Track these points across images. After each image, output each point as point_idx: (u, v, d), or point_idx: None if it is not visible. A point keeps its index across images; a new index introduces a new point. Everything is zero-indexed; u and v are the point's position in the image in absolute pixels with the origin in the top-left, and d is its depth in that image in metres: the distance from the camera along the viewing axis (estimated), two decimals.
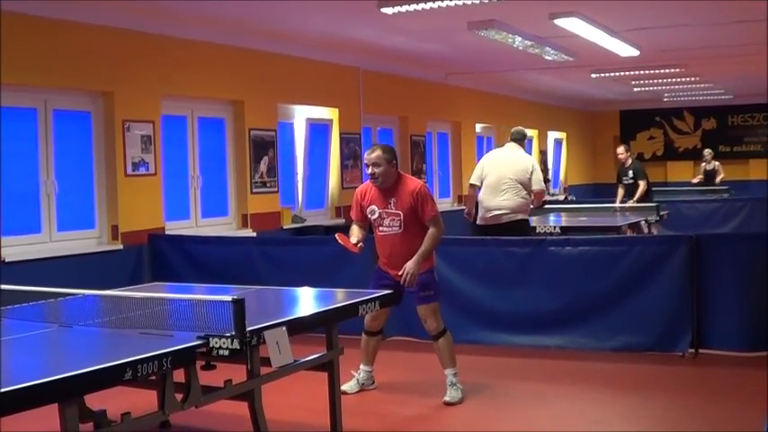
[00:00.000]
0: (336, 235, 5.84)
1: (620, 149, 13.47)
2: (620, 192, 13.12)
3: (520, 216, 8.52)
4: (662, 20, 10.12)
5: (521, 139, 8.91)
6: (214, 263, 8.49)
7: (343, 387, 5.75)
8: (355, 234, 5.83)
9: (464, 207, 9.23)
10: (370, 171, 5.79)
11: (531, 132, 19.65)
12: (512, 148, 8.81)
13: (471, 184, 8.86)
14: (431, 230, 5.79)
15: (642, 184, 12.81)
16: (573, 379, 6.55)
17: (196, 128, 9.82)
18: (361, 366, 6.20)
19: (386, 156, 5.76)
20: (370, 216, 5.86)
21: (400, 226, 5.78)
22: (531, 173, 8.53)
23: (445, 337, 5.93)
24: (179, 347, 3.71)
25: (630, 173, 13.11)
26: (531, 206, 8.79)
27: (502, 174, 8.51)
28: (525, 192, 8.53)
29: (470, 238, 8.25)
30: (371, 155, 5.76)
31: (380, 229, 5.86)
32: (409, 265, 5.71)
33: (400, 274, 5.72)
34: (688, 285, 6.97)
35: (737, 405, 5.70)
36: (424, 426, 5.48)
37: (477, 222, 8.70)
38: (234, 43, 10.00)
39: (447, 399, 5.82)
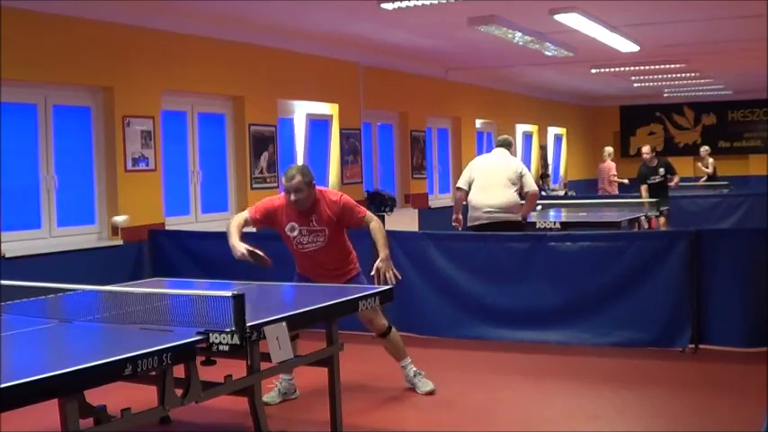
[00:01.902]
0: (247, 250, 5.40)
1: (647, 149, 13.62)
2: (645, 191, 13.06)
3: (512, 217, 8.41)
4: (662, 15, 10.12)
5: (507, 146, 8.84)
6: (214, 258, 8.46)
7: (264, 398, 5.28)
8: (236, 235, 5.47)
9: (464, 202, 9.02)
10: (292, 198, 5.50)
11: (532, 128, 19.69)
12: (500, 153, 8.78)
13: (458, 188, 8.76)
14: (373, 225, 5.67)
15: (677, 177, 13.51)
16: (573, 374, 6.55)
17: (196, 123, 9.82)
18: (282, 376, 5.75)
19: (306, 180, 5.51)
20: (289, 233, 5.65)
21: (324, 240, 5.63)
22: (522, 175, 8.47)
23: (393, 332, 5.94)
24: (179, 343, 3.71)
25: (662, 170, 13.25)
26: (526, 210, 8.70)
27: (492, 174, 8.44)
28: (516, 192, 8.45)
29: (470, 234, 8.25)
30: (291, 182, 5.48)
31: (302, 246, 5.66)
32: (384, 263, 5.54)
33: (375, 274, 5.53)
34: (688, 281, 6.97)
35: (737, 401, 5.70)
36: (423, 421, 5.48)
37: (468, 225, 8.57)
38: (234, 39, 9.99)
39: (427, 389, 5.90)
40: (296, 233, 5.65)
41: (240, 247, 5.38)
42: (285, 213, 5.65)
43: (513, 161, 8.71)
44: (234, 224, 5.58)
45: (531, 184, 8.54)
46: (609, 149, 17.05)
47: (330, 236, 5.62)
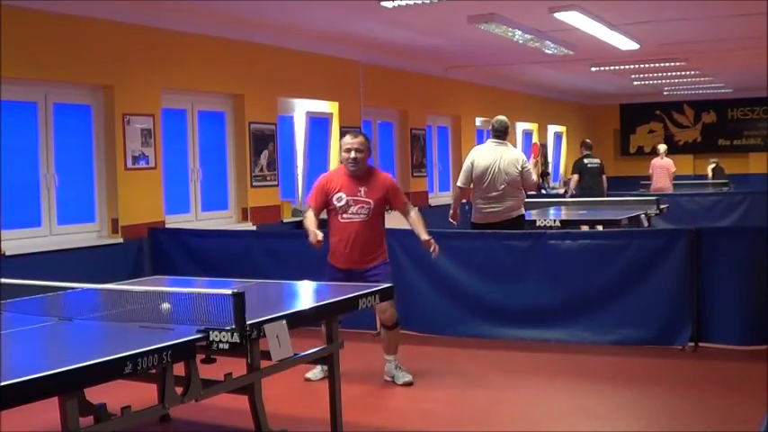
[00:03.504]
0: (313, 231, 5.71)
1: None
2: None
3: (515, 213, 8.30)
4: (662, 13, 10.12)
5: (503, 132, 8.42)
6: (214, 256, 8.50)
7: (308, 374, 6.21)
8: (313, 225, 5.79)
9: (464, 200, 8.91)
10: (352, 156, 5.84)
11: (532, 126, 19.68)
12: (498, 143, 8.38)
13: (459, 187, 8.53)
14: (414, 213, 6.03)
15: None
16: (573, 372, 6.56)
17: (196, 121, 9.82)
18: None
19: (367, 144, 5.95)
20: (336, 203, 5.88)
21: (368, 214, 5.89)
22: (522, 169, 8.21)
23: (398, 328, 6.24)
24: (179, 341, 3.71)
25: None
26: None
27: (495, 175, 8.18)
28: (518, 189, 8.29)
29: (471, 232, 8.25)
30: (355, 139, 5.89)
31: (343, 215, 5.90)
32: (431, 242, 5.89)
33: (429, 247, 5.88)
34: (688, 279, 6.97)
35: (737, 399, 5.70)
36: (423, 419, 5.48)
37: (474, 221, 8.40)
38: (234, 37, 9.99)
39: (407, 380, 6.15)
40: (342, 203, 5.87)
41: (315, 234, 5.65)
42: (335, 185, 5.92)
43: (513, 154, 8.36)
44: (306, 219, 5.90)
45: (529, 177, 8.29)
46: (664, 147, 17.26)
47: (373, 211, 5.89)
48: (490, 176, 8.20)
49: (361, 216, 5.88)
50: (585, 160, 14.71)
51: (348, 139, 5.92)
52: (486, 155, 8.40)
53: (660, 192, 15.79)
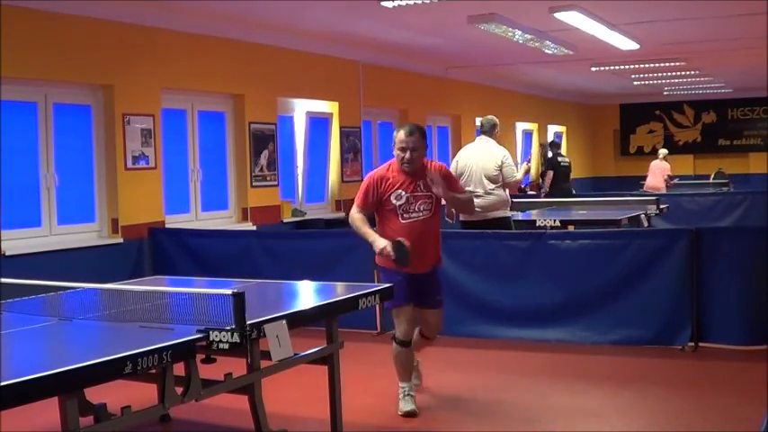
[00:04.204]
0: (392, 242, 5.16)
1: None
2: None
3: (499, 213, 8.20)
4: (662, 13, 10.12)
5: (490, 130, 8.42)
6: (214, 256, 8.50)
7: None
8: (372, 232, 5.29)
9: None
10: (407, 156, 5.30)
11: (532, 126, 19.67)
12: (482, 141, 8.38)
13: None
14: (469, 194, 5.91)
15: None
16: (572, 372, 6.55)
17: (196, 121, 9.82)
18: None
19: (423, 140, 5.40)
20: (395, 201, 5.29)
21: (430, 209, 5.36)
22: (501, 167, 8.10)
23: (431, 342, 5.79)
24: (179, 341, 3.71)
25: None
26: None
27: (472, 172, 8.17)
28: (497, 187, 8.16)
29: (470, 232, 8.24)
30: (410, 137, 5.31)
31: (406, 215, 5.31)
32: (441, 183, 5.34)
33: (429, 174, 5.32)
34: (688, 279, 6.97)
35: (737, 398, 5.70)
36: (423, 420, 5.48)
37: (461, 219, 8.44)
38: (234, 37, 9.99)
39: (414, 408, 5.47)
40: (402, 201, 5.31)
41: (382, 243, 5.16)
42: (389, 183, 5.37)
43: (495, 152, 8.23)
44: (357, 220, 5.37)
45: (509, 174, 8.13)
46: (664, 151, 17.72)
47: (435, 205, 5.39)
48: (468, 173, 8.18)
49: (425, 213, 5.33)
50: (559, 159, 14.93)
51: (402, 135, 5.35)
52: (468, 152, 8.47)
53: (653, 189, 15.87)
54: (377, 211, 5.42)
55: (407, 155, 5.30)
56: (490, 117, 8.60)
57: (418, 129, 5.39)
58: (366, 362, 6.79)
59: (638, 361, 6.80)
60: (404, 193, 5.32)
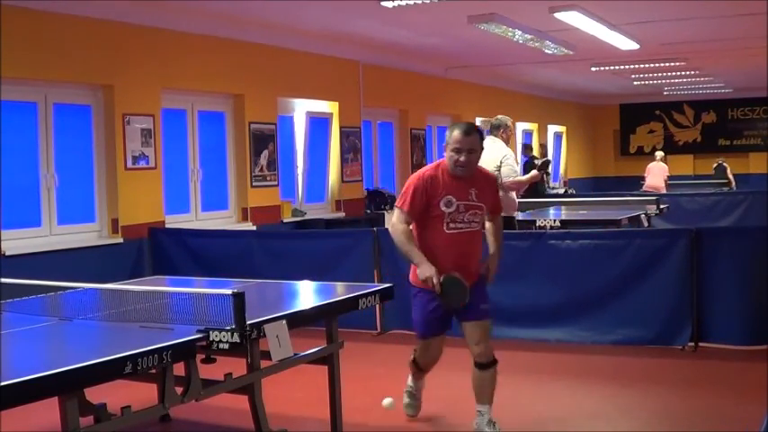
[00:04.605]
0: (443, 279, 4.56)
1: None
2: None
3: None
4: (662, 13, 10.12)
5: (495, 129, 8.32)
6: (214, 256, 8.50)
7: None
8: (418, 252, 4.63)
9: None
10: (462, 159, 4.65)
11: (532, 126, 19.67)
12: (489, 141, 8.09)
13: None
14: (500, 222, 5.06)
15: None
16: (573, 372, 6.55)
17: (196, 121, 9.82)
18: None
19: (481, 141, 4.77)
20: (444, 208, 4.65)
21: (479, 221, 4.80)
22: (499, 167, 7.95)
23: (496, 366, 4.91)
24: (179, 341, 3.71)
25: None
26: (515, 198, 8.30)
27: None
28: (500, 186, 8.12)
29: None
30: (467, 137, 4.66)
31: (452, 225, 4.68)
32: (495, 264, 4.96)
33: (486, 274, 4.91)
34: (688, 279, 6.97)
35: (737, 399, 5.70)
36: (423, 419, 5.48)
37: None
38: (234, 37, 9.99)
39: None
40: (452, 209, 4.67)
41: (430, 271, 4.52)
42: (440, 185, 4.68)
43: (496, 151, 8.07)
44: (402, 234, 4.64)
45: (505, 174, 7.95)
46: (661, 154, 17.90)
47: (483, 218, 4.85)
48: None
49: (473, 225, 4.73)
50: (535, 161, 15.34)
51: (458, 135, 4.66)
52: None
53: (653, 189, 15.89)
54: (422, 218, 4.74)
55: (463, 157, 4.65)
56: (499, 116, 8.49)
57: (476, 129, 4.75)
58: (366, 362, 6.79)
59: (639, 361, 6.80)
60: (454, 199, 4.67)
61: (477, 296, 4.80)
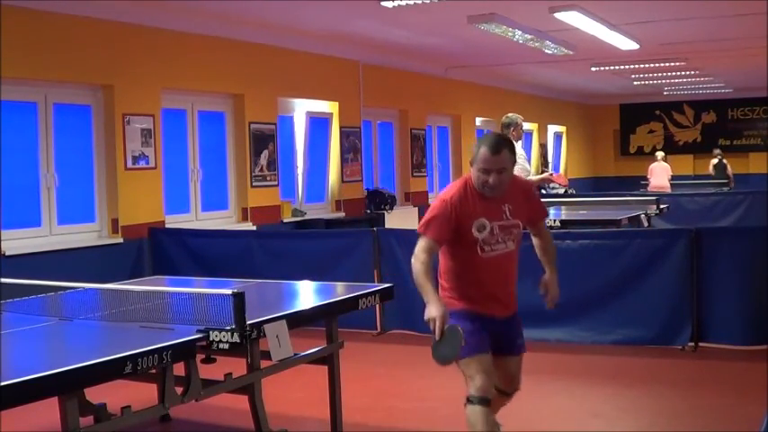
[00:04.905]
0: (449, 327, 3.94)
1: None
2: None
3: None
4: (662, 13, 10.12)
5: (506, 127, 8.32)
6: (214, 256, 8.50)
7: None
8: (434, 292, 4.04)
9: None
10: (491, 181, 3.97)
11: (532, 126, 19.66)
12: None
13: None
14: (546, 232, 4.52)
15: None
16: (573, 372, 6.55)
17: (196, 121, 9.82)
18: None
19: (513, 157, 4.06)
20: (477, 233, 4.05)
21: (515, 240, 4.22)
22: None
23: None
24: (179, 341, 3.71)
25: None
26: None
27: None
28: None
29: None
30: (496, 155, 3.95)
31: (488, 249, 4.10)
32: (556, 288, 4.59)
33: (548, 292, 4.53)
34: (688, 279, 6.97)
35: (737, 398, 5.70)
36: (423, 419, 5.48)
37: None
38: (234, 37, 9.99)
39: None
40: (485, 232, 4.07)
41: (437, 312, 3.94)
42: (470, 205, 4.05)
43: None
44: (422, 265, 4.01)
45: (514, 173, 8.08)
46: (662, 154, 17.98)
47: (520, 235, 4.26)
48: None
49: (509, 245, 4.17)
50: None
51: (486, 153, 3.96)
52: None
53: (659, 190, 15.86)
54: (451, 242, 4.14)
55: (492, 179, 3.98)
56: (509, 115, 8.47)
57: (506, 142, 4.04)
58: (366, 362, 6.79)
59: (639, 361, 6.80)
60: (487, 222, 4.06)
61: (516, 330, 4.47)
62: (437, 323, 3.90)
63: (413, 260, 4.04)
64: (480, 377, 4.14)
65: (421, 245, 4.04)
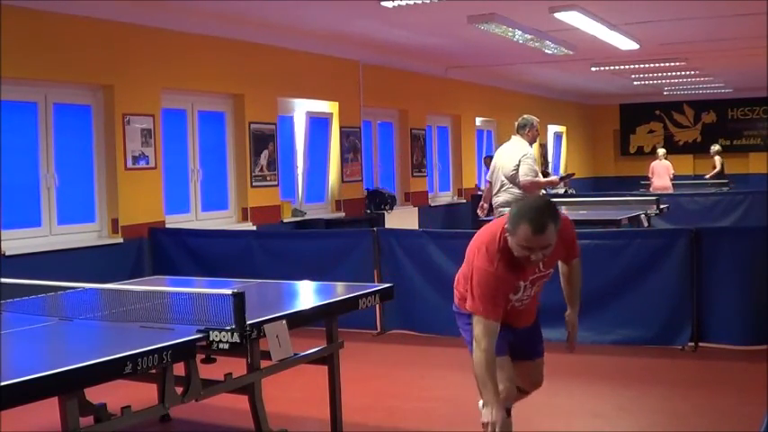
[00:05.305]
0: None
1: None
2: None
3: (507, 210, 8.16)
4: (662, 13, 10.12)
5: (521, 128, 8.33)
6: (214, 256, 8.50)
7: None
8: (496, 388, 3.70)
9: (463, 200, 9.07)
10: (535, 257, 3.66)
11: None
12: (513, 141, 8.39)
13: (487, 180, 8.73)
14: (576, 264, 4.30)
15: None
16: (573, 372, 6.55)
17: (196, 121, 9.82)
18: None
19: (557, 226, 3.64)
20: (512, 296, 3.89)
21: (542, 285, 4.08)
22: (518, 166, 8.03)
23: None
24: (179, 341, 3.71)
25: None
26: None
27: (496, 169, 8.29)
28: (511, 186, 8.12)
29: (470, 232, 8.21)
30: (540, 235, 3.56)
31: (518, 301, 3.98)
32: (575, 320, 4.48)
33: (569, 333, 4.46)
34: (688, 279, 6.97)
35: (737, 399, 5.70)
36: (423, 419, 5.48)
37: (482, 218, 8.50)
38: (234, 37, 9.99)
39: None
40: (520, 293, 3.94)
41: (497, 417, 3.59)
42: (510, 272, 3.79)
43: (517, 151, 8.15)
44: (488, 355, 3.66)
45: (521, 173, 8.01)
46: (663, 151, 17.70)
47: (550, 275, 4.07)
48: (494, 171, 8.36)
49: (535, 290, 4.05)
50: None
51: (528, 232, 3.56)
52: (499, 150, 8.67)
53: (661, 190, 15.81)
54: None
55: (535, 256, 3.66)
56: (524, 116, 8.46)
57: (550, 215, 3.61)
58: (366, 362, 6.79)
59: (639, 361, 6.80)
60: (523, 282, 3.90)
61: (537, 336, 4.41)
62: (496, 430, 3.58)
63: (474, 346, 3.70)
64: (502, 385, 3.91)
65: (480, 329, 3.68)
